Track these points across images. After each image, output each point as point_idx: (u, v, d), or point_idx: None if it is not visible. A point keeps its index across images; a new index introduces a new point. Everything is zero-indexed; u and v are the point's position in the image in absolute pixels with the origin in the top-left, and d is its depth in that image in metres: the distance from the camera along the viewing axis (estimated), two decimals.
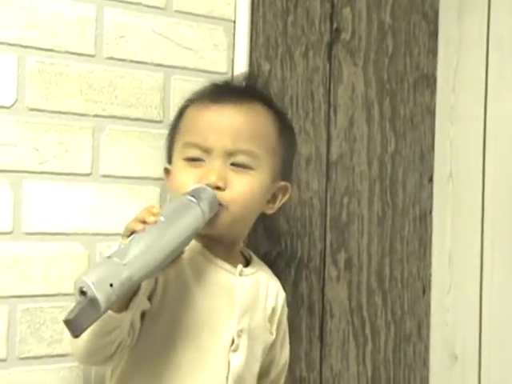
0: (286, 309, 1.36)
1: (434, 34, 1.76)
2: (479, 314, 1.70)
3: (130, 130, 1.35)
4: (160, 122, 1.38)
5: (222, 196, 1.19)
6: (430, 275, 1.77)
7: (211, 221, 1.18)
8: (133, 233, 1.03)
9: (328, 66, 1.61)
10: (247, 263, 1.31)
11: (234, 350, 1.21)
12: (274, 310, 1.31)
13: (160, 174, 1.35)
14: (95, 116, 1.31)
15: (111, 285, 0.95)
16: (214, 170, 1.21)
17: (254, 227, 1.50)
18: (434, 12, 1.76)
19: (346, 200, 1.65)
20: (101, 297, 0.93)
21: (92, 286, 0.93)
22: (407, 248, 1.74)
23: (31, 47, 1.25)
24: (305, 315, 1.60)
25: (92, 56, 1.31)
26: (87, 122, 1.31)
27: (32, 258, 1.26)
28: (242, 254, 1.34)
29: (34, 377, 1.26)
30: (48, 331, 1.27)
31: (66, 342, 1.15)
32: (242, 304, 1.24)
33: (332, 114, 1.62)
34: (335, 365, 1.64)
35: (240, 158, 1.22)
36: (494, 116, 1.69)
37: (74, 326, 0.93)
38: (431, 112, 1.77)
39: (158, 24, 1.37)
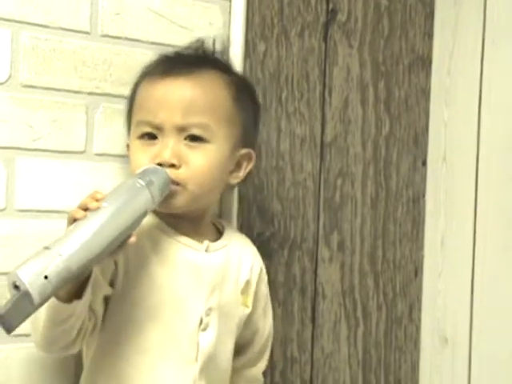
0: (264, 278, 1.34)
1: (430, 16, 1.76)
2: (470, 298, 1.70)
3: (124, 108, 1.34)
4: None
5: (178, 174, 1.17)
6: (423, 258, 1.77)
7: (168, 201, 1.16)
8: (75, 220, 1.01)
9: (323, 46, 1.61)
10: (219, 235, 1.29)
11: (203, 329, 1.20)
12: (247, 283, 1.29)
13: None
14: (89, 93, 1.30)
15: (46, 277, 0.92)
16: (166, 147, 1.18)
17: (248, 208, 1.51)
18: None
19: (339, 182, 1.64)
20: (34, 290, 0.91)
21: (24, 280, 0.91)
22: (400, 230, 1.74)
23: (25, 22, 1.24)
24: (297, 296, 1.60)
25: (87, 33, 1.30)
26: (81, 100, 1.30)
27: (24, 235, 1.25)
28: (215, 225, 1.32)
29: (23, 354, 1.26)
30: None
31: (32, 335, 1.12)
32: (210, 282, 1.21)
33: (327, 95, 1.62)
34: (326, 346, 1.64)
35: (193, 131, 1.19)
36: (488, 99, 1.69)
37: (7, 321, 0.91)
38: (426, 94, 1.76)
39: (153, 2, 1.36)
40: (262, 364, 1.37)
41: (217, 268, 1.23)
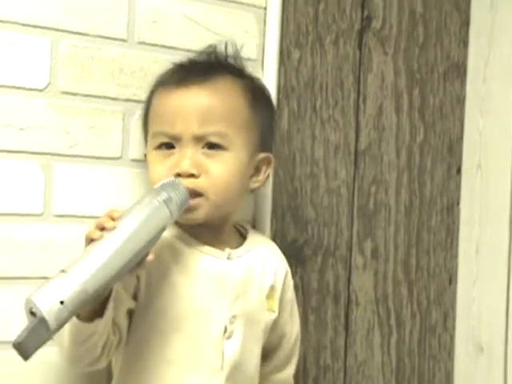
0: (290, 282, 1.33)
1: (465, 24, 1.75)
2: (506, 305, 1.69)
3: None
4: None
5: (198, 184, 1.16)
6: (457, 266, 1.76)
7: (191, 213, 1.16)
8: (92, 240, 1.01)
9: (358, 54, 1.61)
10: (242, 241, 1.28)
11: (228, 338, 1.19)
12: (272, 288, 1.28)
13: None
14: (126, 100, 1.32)
15: (62, 302, 0.92)
16: (184, 157, 1.17)
17: (282, 215, 1.51)
18: (466, 1, 1.75)
19: (373, 189, 1.64)
20: (50, 317, 0.91)
21: (40, 307, 0.91)
22: (434, 238, 1.73)
23: (65, 31, 1.26)
24: (330, 304, 1.60)
25: (124, 40, 1.31)
26: (118, 106, 1.31)
27: (62, 241, 1.27)
28: (238, 230, 1.31)
29: (58, 360, 1.26)
30: None
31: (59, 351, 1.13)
32: (233, 289, 1.21)
33: (361, 102, 1.62)
34: (360, 354, 1.64)
35: (211, 139, 1.18)
36: None
37: (24, 348, 0.91)
38: (461, 102, 1.76)
39: (189, 9, 1.38)
40: (291, 368, 1.36)
41: (239, 275, 1.22)
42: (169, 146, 1.20)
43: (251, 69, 1.35)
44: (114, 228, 1.01)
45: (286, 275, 1.32)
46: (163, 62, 1.34)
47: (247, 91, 1.25)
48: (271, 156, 1.29)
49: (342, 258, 1.61)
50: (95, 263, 0.97)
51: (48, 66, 1.25)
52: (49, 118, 1.25)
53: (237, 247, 1.25)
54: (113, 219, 1.03)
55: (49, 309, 0.92)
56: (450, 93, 1.74)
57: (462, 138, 1.76)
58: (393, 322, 1.68)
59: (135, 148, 1.32)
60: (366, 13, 1.61)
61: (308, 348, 1.56)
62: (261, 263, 1.27)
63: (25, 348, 0.91)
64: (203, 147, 1.18)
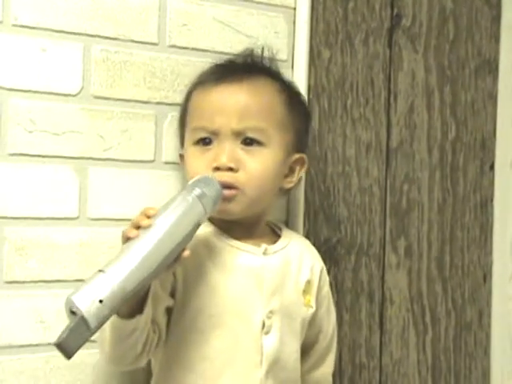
0: (326, 278, 1.34)
1: (496, 19, 1.74)
2: None
3: None
4: None
5: (236, 178, 1.18)
6: (491, 263, 1.75)
7: (226, 207, 1.17)
8: (128, 239, 1.02)
9: (388, 52, 1.61)
10: (277, 238, 1.29)
11: (266, 333, 1.20)
12: (309, 283, 1.28)
13: None
14: (158, 103, 1.33)
15: (101, 301, 0.94)
16: (223, 151, 1.19)
17: (315, 215, 1.51)
18: None
19: (405, 187, 1.64)
20: (90, 316, 0.93)
21: (80, 306, 0.93)
22: (468, 235, 1.72)
23: (96, 36, 1.27)
24: (365, 302, 1.60)
25: (155, 44, 1.33)
26: (150, 110, 1.33)
27: (97, 244, 1.28)
28: (272, 229, 1.32)
29: (96, 360, 1.28)
30: None
31: (100, 351, 1.14)
32: (270, 284, 1.21)
33: (392, 100, 1.61)
34: (395, 352, 1.64)
35: (250, 135, 1.20)
36: None
37: (66, 347, 0.92)
38: (493, 98, 1.75)
39: (219, 12, 1.38)
40: (329, 366, 1.37)
41: (276, 270, 1.23)
42: (207, 142, 1.22)
43: (281, 69, 1.36)
44: (149, 226, 1.02)
45: (321, 271, 1.33)
46: (194, 65, 1.35)
47: (283, 92, 1.27)
48: (305, 157, 1.30)
49: (375, 256, 1.60)
50: (132, 262, 0.99)
51: (80, 71, 1.26)
52: (82, 123, 1.27)
53: (272, 244, 1.26)
54: (148, 217, 1.04)
55: (88, 308, 0.93)
56: (482, 89, 1.73)
57: (494, 134, 1.75)
58: (428, 319, 1.67)
59: (168, 151, 1.34)
60: (395, 11, 1.61)
61: (343, 346, 1.56)
62: (297, 259, 1.28)
63: (66, 347, 0.93)
64: (242, 143, 1.20)
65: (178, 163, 1.34)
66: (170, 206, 1.07)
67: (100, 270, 0.98)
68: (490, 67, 1.74)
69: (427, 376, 1.68)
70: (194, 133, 1.23)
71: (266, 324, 1.20)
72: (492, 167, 1.75)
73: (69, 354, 0.93)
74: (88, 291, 0.95)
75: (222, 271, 1.19)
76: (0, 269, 1.21)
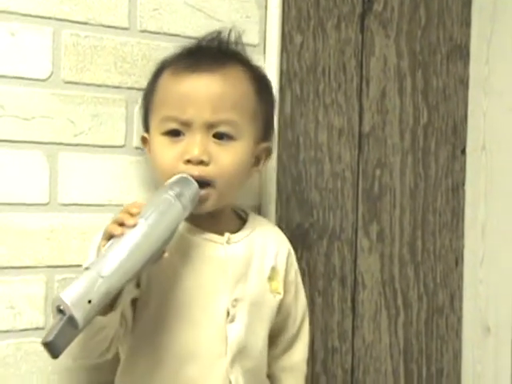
0: (293, 263, 1.33)
1: (467, 5, 1.75)
2: None
3: None
4: None
5: (207, 171, 1.17)
6: (463, 247, 1.77)
7: (201, 203, 1.16)
8: (112, 236, 1.02)
9: (360, 37, 1.61)
10: (242, 225, 1.28)
11: (231, 321, 1.19)
12: (274, 269, 1.27)
13: None
14: (129, 88, 1.32)
15: (89, 301, 0.94)
16: (195, 143, 1.17)
17: (287, 200, 1.52)
18: None
19: (378, 172, 1.65)
20: (79, 315, 0.93)
21: (70, 305, 0.92)
22: (440, 220, 1.74)
23: (66, 20, 1.26)
24: (337, 287, 1.60)
25: (126, 29, 1.32)
26: (121, 95, 1.32)
27: (68, 229, 1.28)
28: (238, 214, 1.31)
29: None
30: None
31: None
32: (233, 273, 1.21)
33: (364, 85, 1.62)
34: (367, 336, 1.65)
35: (221, 128, 1.18)
36: None
37: (54, 347, 0.92)
38: (464, 83, 1.76)
39: None
40: (301, 352, 1.36)
41: (239, 259, 1.22)
42: (176, 133, 1.19)
43: (253, 54, 1.36)
44: (134, 225, 1.02)
45: (288, 256, 1.31)
46: (165, 50, 1.34)
47: (254, 80, 1.25)
48: (271, 147, 1.29)
49: (347, 241, 1.61)
50: (118, 261, 0.98)
51: (50, 55, 1.25)
52: (52, 108, 1.26)
53: (236, 231, 1.25)
54: (132, 215, 1.03)
55: (78, 307, 0.93)
56: (454, 74, 1.74)
57: (466, 119, 1.76)
58: (400, 303, 1.69)
59: (139, 136, 1.32)
60: None
61: (316, 330, 1.57)
62: (260, 246, 1.27)
63: (55, 346, 0.92)
64: (213, 136, 1.19)
65: (143, 144, 1.33)
66: (153, 205, 1.07)
67: (86, 268, 0.97)
68: (461, 52, 1.75)
69: (399, 359, 1.69)
70: (164, 122, 1.20)
71: (230, 313, 1.19)
72: (463, 152, 1.76)
73: (56, 354, 0.93)
74: (76, 290, 0.94)
75: (185, 261, 1.19)
76: None
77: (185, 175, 1.15)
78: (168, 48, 1.34)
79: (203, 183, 1.17)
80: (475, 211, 1.76)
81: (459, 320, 1.78)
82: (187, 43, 1.32)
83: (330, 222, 1.59)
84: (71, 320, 0.93)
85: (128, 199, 1.32)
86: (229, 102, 1.19)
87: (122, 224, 1.02)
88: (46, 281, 1.26)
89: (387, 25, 1.64)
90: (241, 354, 1.20)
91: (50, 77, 1.26)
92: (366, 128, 1.63)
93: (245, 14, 1.44)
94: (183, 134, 1.19)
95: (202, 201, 1.17)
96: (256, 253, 1.26)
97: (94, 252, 1.09)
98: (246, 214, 1.31)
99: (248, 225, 1.28)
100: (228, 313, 1.19)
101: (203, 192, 1.16)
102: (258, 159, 1.27)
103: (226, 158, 1.19)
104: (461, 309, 1.78)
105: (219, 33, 1.31)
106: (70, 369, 1.27)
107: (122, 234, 1.01)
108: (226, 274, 1.20)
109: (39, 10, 1.24)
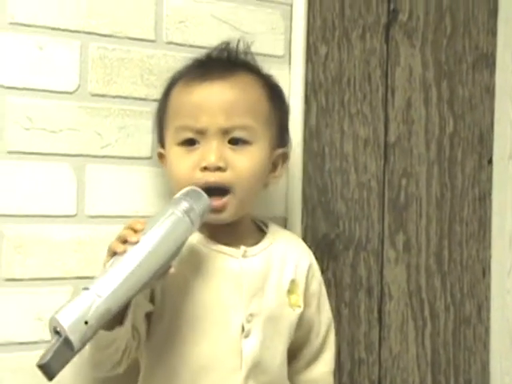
0: (315, 274, 1.30)
1: (493, 13, 1.74)
2: None
3: None
4: None
5: (225, 177, 1.16)
6: (490, 257, 1.76)
7: (218, 213, 1.15)
8: (115, 254, 1.01)
9: (385, 47, 1.61)
10: (262, 236, 1.26)
11: (246, 336, 1.18)
12: (293, 282, 1.25)
13: None
14: (155, 100, 1.32)
15: (86, 322, 0.93)
16: (211, 150, 1.16)
17: (313, 210, 1.51)
18: None
19: (404, 182, 1.64)
20: (75, 338, 0.92)
21: (65, 327, 0.92)
22: (466, 230, 1.72)
23: (93, 33, 1.27)
24: (363, 297, 1.60)
25: (152, 41, 1.33)
26: (147, 107, 1.32)
27: (95, 241, 1.28)
28: (259, 226, 1.29)
29: None
30: None
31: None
32: (249, 287, 1.19)
33: (389, 95, 1.62)
34: (394, 347, 1.64)
35: (237, 135, 1.17)
36: None
37: (49, 368, 0.92)
38: (490, 92, 1.75)
39: (216, 8, 1.38)
40: (326, 365, 1.33)
41: (255, 273, 1.20)
42: (191, 142, 1.19)
43: (278, 65, 1.36)
44: (137, 242, 1.01)
45: (309, 268, 1.29)
46: None
47: (265, 86, 1.25)
48: (288, 152, 1.28)
49: (373, 251, 1.61)
50: (119, 280, 0.97)
51: (78, 68, 1.26)
52: (80, 121, 1.27)
53: (255, 244, 1.24)
54: (135, 231, 1.02)
55: (73, 329, 0.92)
56: (479, 83, 1.73)
57: (492, 128, 1.75)
58: (427, 314, 1.68)
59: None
60: (392, 6, 1.61)
61: (342, 342, 1.56)
62: (279, 259, 1.25)
63: (50, 368, 0.92)
64: (228, 142, 1.18)
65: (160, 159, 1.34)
66: (157, 221, 1.05)
67: (85, 288, 0.96)
68: (487, 61, 1.74)
69: (426, 370, 1.68)
70: (179, 132, 1.19)
71: (245, 327, 1.18)
72: (490, 161, 1.75)
73: (51, 376, 0.92)
74: (73, 311, 0.94)
75: (200, 275, 1.17)
76: None
77: (195, 188, 1.13)
78: None
79: (222, 190, 1.16)
80: (502, 221, 1.75)
81: (487, 331, 1.76)
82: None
83: (356, 233, 1.58)
84: (67, 342, 0.92)
85: (154, 210, 1.33)
86: (242, 107, 1.19)
87: (124, 241, 1.02)
88: (73, 292, 1.26)
89: (412, 34, 1.64)
90: (256, 368, 1.19)
91: (77, 89, 1.27)
92: (392, 138, 1.62)
93: (270, 26, 1.44)
94: (198, 143, 1.18)
95: (219, 211, 1.16)
96: (274, 266, 1.23)
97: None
98: (267, 226, 1.30)
99: (267, 237, 1.26)
100: (243, 328, 1.18)
101: (219, 203, 1.16)
102: (274, 165, 1.26)
103: (243, 162, 1.18)
104: (488, 319, 1.76)
105: (228, 43, 1.31)
106: (97, 380, 1.28)
107: (124, 252, 1.00)
108: (240, 288, 1.18)
109: (67, 23, 1.25)
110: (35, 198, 1.24)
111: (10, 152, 1.22)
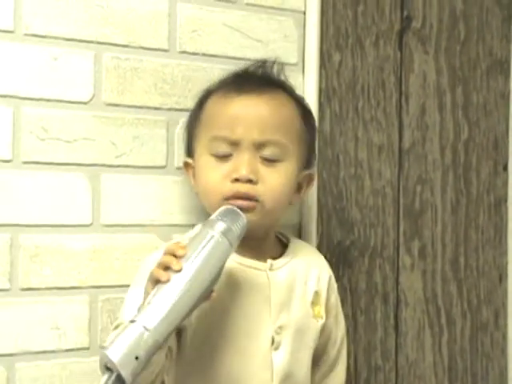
0: (334, 286, 1.32)
1: (507, 19, 1.74)
2: None
3: None
4: None
5: (255, 189, 1.17)
6: (507, 263, 1.75)
7: (245, 210, 1.15)
8: (158, 281, 1.00)
9: (399, 54, 1.61)
10: (284, 250, 1.27)
11: (276, 349, 1.19)
12: (316, 294, 1.27)
13: None
14: (169, 109, 1.34)
15: (136, 357, 0.93)
16: (244, 162, 1.18)
17: (328, 218, 1.51)
18: None
19: (419, 188, 1.64)
20: (127, 374, 0.92)
21: (117, 364, 0.92)
22: (482, 236, 1.72)
23: (107, 43, 1.28)
24: (379, 304, 1.59)
25: (166, 50, 1.33)
26: (162, 116, 1.33)
27: (111, 250, 1.29)
28: (279, 239, 1.31)
29: None
30: None
31: None
32: (277, 300, 1.21)
33: (404, 102, 1.61)
34: (411, 354, 1.64)
35: (270, 150, 1.19)
36: None
37: None
38: (505, 98, 1.74)
39: (229, 17, 1.39)
40: (340, 375, 1.35)
41: (282, 285, 1.22)
42: (224, 153, 1.20)
43: (292, 73, 1.36)
44: (180, 270, 1.00)
45: (329, 280, 1.31)
46: (205, 71, 1.36)
47: (299, 107, 1.27)
48: (314, 174, 1.30)
49: (389, 258, 1.60)
50: (164, 311, 0.98)
51: (92, 78, 1.27)
52: (94, 130, 1.28)
53: (278, 257, 1.25)
54: (177, 257, 1.02)
55: (125, 365, 0.93)
56: (494, 89, 1.73)
57: (507, 134, 1.74)
58: (443, 321, 1.67)
59: (180, 156, 1.34)
60: (405, 13, 1.61)
61: (358, 349, 1.56)
62: (303, 271, 1.27)
63: None
64: (260, 156, 1.19)
65: (186, 168, 1.34)
66: (198, 246, 1.05)
67: (132, 321, 0.96)
68: (502, 67, 1.73)
69: (444, 378, 1.68)
70: (213, 142, 1.20)
71: (275, 340, 1.19)
72: (505, 168, 1.75)
73: None
74: (123, 346, 0.94)
75: (230, 289, 1.18)
76: (15, 276, 1.22)
77: (231, 207, 1.13)
78: (207, 69, 1.36)
79: (250, 199, 1.17)
80: None
81: (504, 337, 1.75)
82: (226, 64, 1.35)
83: (371, 240, 1.58)
84: (119, 378, 0.93)
85: (169, 219, 1.33)
86: (276, 123, 1.21)
87: (167, 267, 1.01)
88: (89, 301, 1.27)
89: (426, 41, 1.63)
90: (287, 380, 1.20)
91: (91, 99, 1.28)
92: (406, 144, 1.62)
93: (283, 34, 1.45)
94: (231, 154, 1.20)
95: (248, 209, 1.16)
96: (298, 278, 1.25)
97: (137, 291, 1.09)
98: (287, 239, 1.31)
99: (289, 250, 1.28)
100: (273, 340, 1.19)
101: (247, 204, 1.17)
102: (300, 186, 1.27)
103: (274, 178, 1.19)
104: (506, 325, 1.75)
105: (264, 62, 1.33)
106: None
107: (167, 280, 1.00)
108: (269, 301, 1.20)
109: (81, 34, 1.26)
110: (51, 208, 1.25)
111: (25, 162, 1.23)
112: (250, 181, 1.17)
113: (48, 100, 1.24)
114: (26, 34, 1.23)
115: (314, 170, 1.32)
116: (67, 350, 1.26)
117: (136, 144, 1.31)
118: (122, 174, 1.30)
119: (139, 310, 0.99)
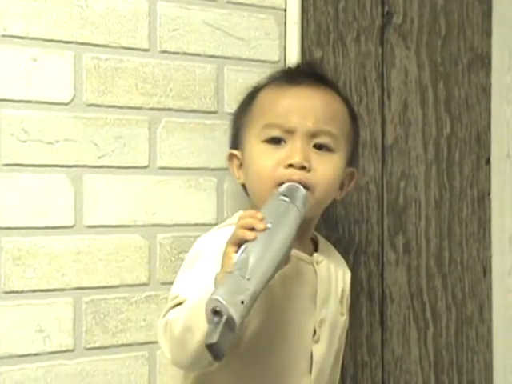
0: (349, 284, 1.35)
1: (487, 14, 1.74)
2: None
3: (185, 121, 1.37)
4: (214, 112, 1.39)
5: (308, 177, 1.18)
6: (491, 256, 1.75)
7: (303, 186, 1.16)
8: (244, 241, 1.01)
9: (380, 50, 1.61)
10: (315, 247, 1.29)
11: (316, 341, 1.21)
12: (343, 292, 1.30)
13: (216, 164, 1.37)
14: (151, 109, 1.33)
15: (242, 302, 0.94)
16: (297, 150, 1.19)
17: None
18: None
19: (402, 184, 1.64)
20: (237, 316, 0.93)
21: (227, 306, 0.92)
22: (466, 230, 1.72)
23: (87, 44, 1.28)
24: (365, 300, 1.60)
25: (146, 50, 1.33)
26: (143, 116, 1.33)
27: (94, 251, 1.29)
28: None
29: (101, 366, 1.29)
30: (112, 321, 1.30)
31: (166, 353, 1.10)
32: (321, 293, 1.23)
33: (386, 98, 1.62)
34: (397, 349, 1.64)
35: (322, 139, 1.21)
36: None
37: (218, 347, 0.91)
38: (487, 93, 1.75)
39: (209, 16, 1.39)
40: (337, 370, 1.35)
41: (325, 279, 1.24)
42: (277, 140, 1.21)
43: (274, 71, 1.36)
44: (265, 229, 1.02)
45: (349, 278, 1.34)
46: (186, 69, 1.36)
47: (347, 106, 1.30)
48: (356, 172, 1.32)
49: (373, 254, 1.61)
50: (258, 264, 0.99)
51: (72, 79, 1.27)
52: (76, 131, 1.27)
53: (313, 251, 1.27)
54: (260, 221, 1.03)
55: (236, 308, 0.93)
56: (475, 84, 1.73)
57: (489, 128, 1.75)
58: (428, 315, 1.68)
59: (162, 156, 1.34)
60: (386, 9, 1.61)
61: (345, 345, 1.56)
62: (334, 267, 1.29)
63: (219, 347, 0.91)
64: (314, 146, 1.21)
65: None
66: (272, 210, 1.08)
67: (230, 272, 0.97)
68: (483, 62, 1.74)
69: (430, 372, 1.68)
70: (266, 129, 1.21)
71: (316, 333, 1.21)
72: (488, 161, 1.75)
73: (221, 355, 0.92)
74: (231, 293, 0.94)
75: (281, 280, 1.16)
76: None
77: (292, 184, 1.15)
78: (188, 67, 1.36)
79: (302, 186, 1.17)
80: (501, 221, 1.75)
81: (489, 330, 1.76)
82: (207, 62, 1.34)
83: (356, 236, 1.58)
84: (229, 321, 0.92)
85: (153, 219, 1.33)
86: (330, 114, 1.23)
87: (251, 228, 1.02)
88: (73, 303, 1.27)
89: (407, 37, 1.64)
90: (321, 373, 1.22)
91: (72, 100, 1.27)
92: (389, 140, 1.62)
93: (264, 31, 1.45)
94: (284, 142, 1.21)
95: (304, 185, 1.17)
96: (332, 274, 1.27)
97: (199, 268, 1.12)
98: (315, 236, 1.32)
99: (322, 246, 1.30)
100: (314, 332, 1.21)
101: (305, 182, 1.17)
102: (342, 184, 1.28)
103: (325, 168, 1.20)
104: (490, 319, 1.76)
105: (314, 61, 1.40)
106: None
107: (255, 238, 1.01)
108: (315, 294, 1.22)
109: (60, 34, 1.25)
110: (33, 210, 1.24)
111: (6, 165, 1.22)
112: (303, 168, 1.18)
113: (28, 101, 1.24)
114: (4, 36, 1.22)
115: (356, 169, 1.32)
116: (51, 353, 1.25)
117: (118, 144, 1.31)
118: (105, 174, 1.30)
119: (234, 263, 0.99)
